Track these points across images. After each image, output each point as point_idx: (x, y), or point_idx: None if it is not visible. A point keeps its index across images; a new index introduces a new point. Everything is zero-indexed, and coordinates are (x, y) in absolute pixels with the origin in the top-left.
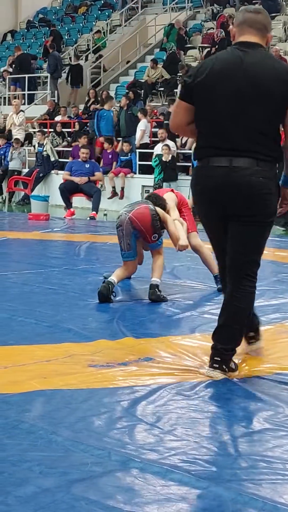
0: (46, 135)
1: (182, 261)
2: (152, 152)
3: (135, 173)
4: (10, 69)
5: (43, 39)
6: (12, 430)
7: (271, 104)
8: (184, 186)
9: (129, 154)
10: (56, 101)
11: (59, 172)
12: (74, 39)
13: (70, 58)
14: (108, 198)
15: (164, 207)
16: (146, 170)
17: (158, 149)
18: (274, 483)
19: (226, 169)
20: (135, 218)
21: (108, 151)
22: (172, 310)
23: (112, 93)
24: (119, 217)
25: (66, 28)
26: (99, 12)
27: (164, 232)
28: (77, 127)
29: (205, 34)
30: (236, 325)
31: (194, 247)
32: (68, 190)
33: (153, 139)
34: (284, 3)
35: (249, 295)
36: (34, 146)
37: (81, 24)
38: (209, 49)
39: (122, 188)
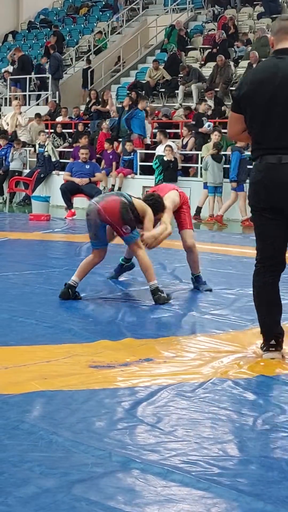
0: (47, 135)
1: (183, 262)
2: (153, 153)
3: (136, 174)
4: (11, 70)
5: (44, 40)
6: (13, 431)
7: None
8: (184, 187)
9: (131, 153)
10: (57, 102)
11: (60, 172)
12: (75, 40)
13: (71, 59)
14: None
15: (160, 210)
16: (146, 170)
17: (159, 150)
18: (275, 485)
19: (275, 166)
20: (103, 209)
21: (109, 151)
22: (172, 311)
23: (113, 94)
24: (89, 206)
25: (67, 29)
26: (100, 13)
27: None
28: (80, 127)
29: (206, 35)
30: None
31: (187, 246)
32: (69, 191)
33: (154, 140)
34: (285, 4)
35: None
36: (34, 146)
37: (82, 25)
38: (210, 50)
39: (119, 189)
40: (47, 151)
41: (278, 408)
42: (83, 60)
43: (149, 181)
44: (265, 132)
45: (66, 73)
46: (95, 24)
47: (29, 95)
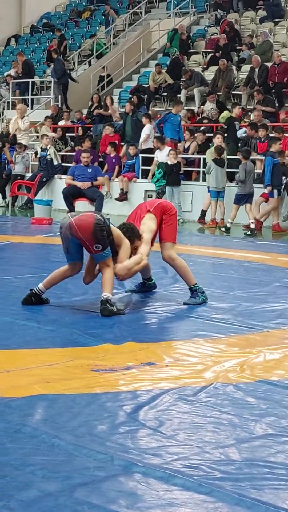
0: (49, 139)
1: None
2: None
3: (138, 178)
4: (13, 73)
5: (47, 44)
6: (15, 434)
7: None
8: (187, 191)
9: (134, 157)
10: (59, 105)
11: (62, 176)
12: (77, 44)
13: (73, 63)
14: (116, 199)
15: (136, 238)
16: (149, 174)
17: (160, 156)
18: (276, 489)
19: None
20: (75, 224)
21: (112, 155)
22: (174, 315)
23: (115, 98)
24: (63, 219)
25: (70, 33)
26: (103, 17)
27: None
28: (80, 131)
29: (208, 39)
30: None
31: (165, 258)
32: (71, 195)
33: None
34: (287, 8)
35: None
36: (36, 153)
37: (84, 29)
38: (212, 54)
39: (126, 193)
40: (49, 154)
41: (280, 413)
42: (85, 64)
43: (151, 185)
44: None
45: (77, 75)
46: (97, 28)
47: (32, 99)
